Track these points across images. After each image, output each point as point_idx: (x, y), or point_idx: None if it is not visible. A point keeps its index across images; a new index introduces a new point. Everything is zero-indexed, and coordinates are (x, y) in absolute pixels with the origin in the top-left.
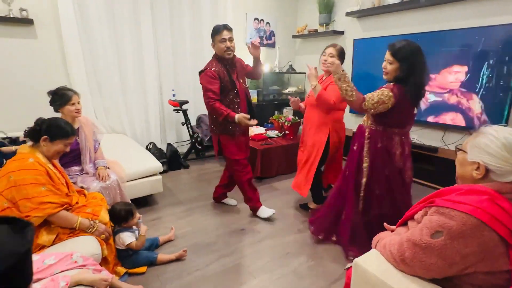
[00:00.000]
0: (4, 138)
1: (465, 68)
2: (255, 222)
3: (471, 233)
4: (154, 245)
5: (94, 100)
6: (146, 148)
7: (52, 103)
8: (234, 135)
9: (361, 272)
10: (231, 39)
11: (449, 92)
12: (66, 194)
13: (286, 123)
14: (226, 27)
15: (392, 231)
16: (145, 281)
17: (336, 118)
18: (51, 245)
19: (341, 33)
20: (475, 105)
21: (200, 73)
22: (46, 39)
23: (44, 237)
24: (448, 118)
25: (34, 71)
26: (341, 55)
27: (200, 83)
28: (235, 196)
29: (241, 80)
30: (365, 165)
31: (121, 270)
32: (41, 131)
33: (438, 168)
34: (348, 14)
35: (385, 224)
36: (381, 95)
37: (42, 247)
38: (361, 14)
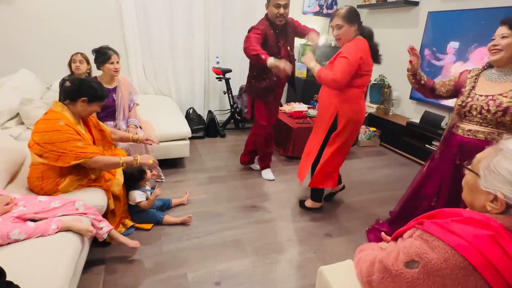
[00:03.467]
0: None
1: None
2: (269, 202)
3: (451, 274)
4: (166, 205)
5: (145, 61)
6: (186, 112)
7: (95, 60)
8: (267, 102)
9: (323, 282)
10: (286, 6)
11: None
12: None
13: None
14: None
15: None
16: (148, 237)
17: (346, 98)
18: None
19: (415, 3)
20: None
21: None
22: None
23: (63, 184)
24: None
25: (92, 28)
26: (349, 17)
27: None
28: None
29: (289, 47)
30: None
31: (129, 223)
32: (80, 92)
33: None
34: None
35: (382, 234)
36: None
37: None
38: None
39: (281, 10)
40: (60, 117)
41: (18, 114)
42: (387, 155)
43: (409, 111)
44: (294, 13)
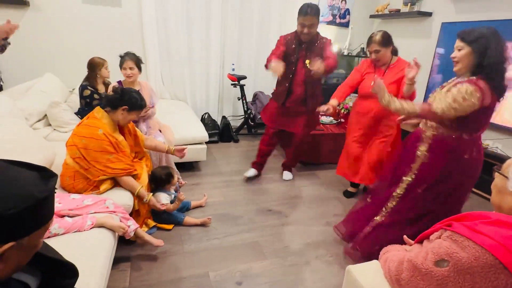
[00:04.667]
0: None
1: None
2: (285, 206)
3: (481, 272)
4: (186, 207)
5: (163, 67)
6: (202, 117)
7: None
8: (278, 103)
9: (351, 280)
10: (311, 26)
11: None
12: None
13: (342, 111)
14: (310, 13)
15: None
16: (169, 237)
17: None
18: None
19: (428, 14)
20: None
21: None
22: (128, 7)
23: (104, 186)
24: None
25: (113, 36)
26: (384, 42)
27: None
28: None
29: (306, 61)
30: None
31: (151, 223)
32: (122, 101)
33: None
34: None
35: (404, 237)
36: (459, 92)
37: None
38: None
39: (305, 30)
40: (100, 125)
41: (45, 116)
42: None
43: None
44: None
